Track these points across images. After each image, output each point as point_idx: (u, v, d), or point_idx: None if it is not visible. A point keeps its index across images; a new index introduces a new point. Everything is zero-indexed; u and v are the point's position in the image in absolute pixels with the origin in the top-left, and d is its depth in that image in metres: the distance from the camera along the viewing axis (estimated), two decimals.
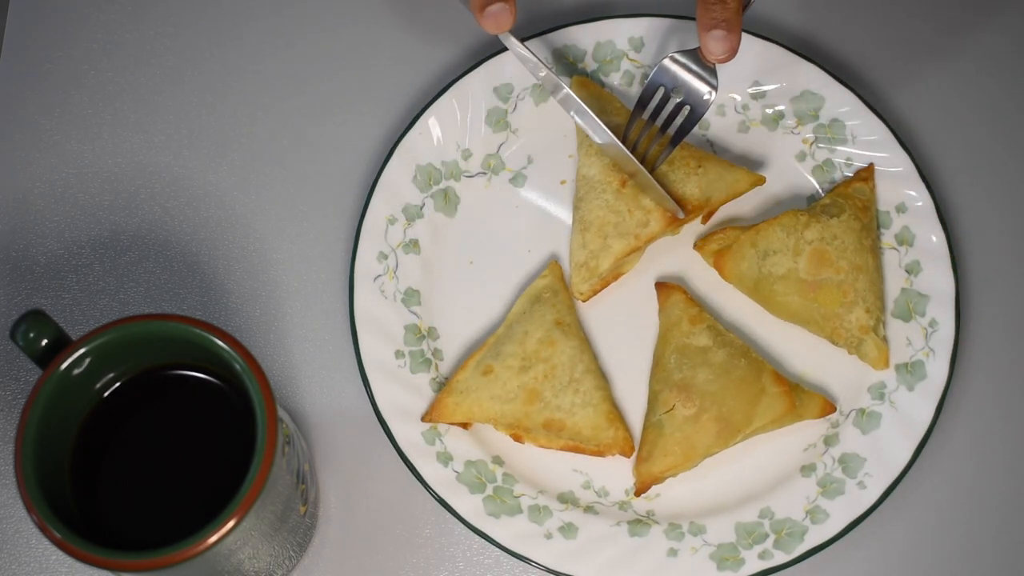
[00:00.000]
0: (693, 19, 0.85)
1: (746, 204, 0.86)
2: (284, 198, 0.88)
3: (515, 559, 0.78)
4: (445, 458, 0.79)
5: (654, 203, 0.82)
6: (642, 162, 0.81)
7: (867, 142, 0.85)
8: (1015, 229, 0.87)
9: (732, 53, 0.75)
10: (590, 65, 0.89)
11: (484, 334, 0.83)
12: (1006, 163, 0.88)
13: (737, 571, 0.77)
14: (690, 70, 0.80)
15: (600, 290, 0.84)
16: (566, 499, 0.80)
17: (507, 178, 0.87)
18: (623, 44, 0.89)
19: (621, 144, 0.81)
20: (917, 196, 0.84)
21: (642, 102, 0.81)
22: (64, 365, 0.66)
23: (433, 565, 0.80)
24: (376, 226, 0.84)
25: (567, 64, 0.88)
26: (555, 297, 0.82)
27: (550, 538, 0.78)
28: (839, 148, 0.86)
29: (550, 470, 0.80)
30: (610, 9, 0.91)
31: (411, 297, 0.84)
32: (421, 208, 0.85)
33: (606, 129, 0.81)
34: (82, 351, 0.66)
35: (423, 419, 0.80)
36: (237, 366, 0.65)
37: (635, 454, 0.80)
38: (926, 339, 0.81)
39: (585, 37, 0.88)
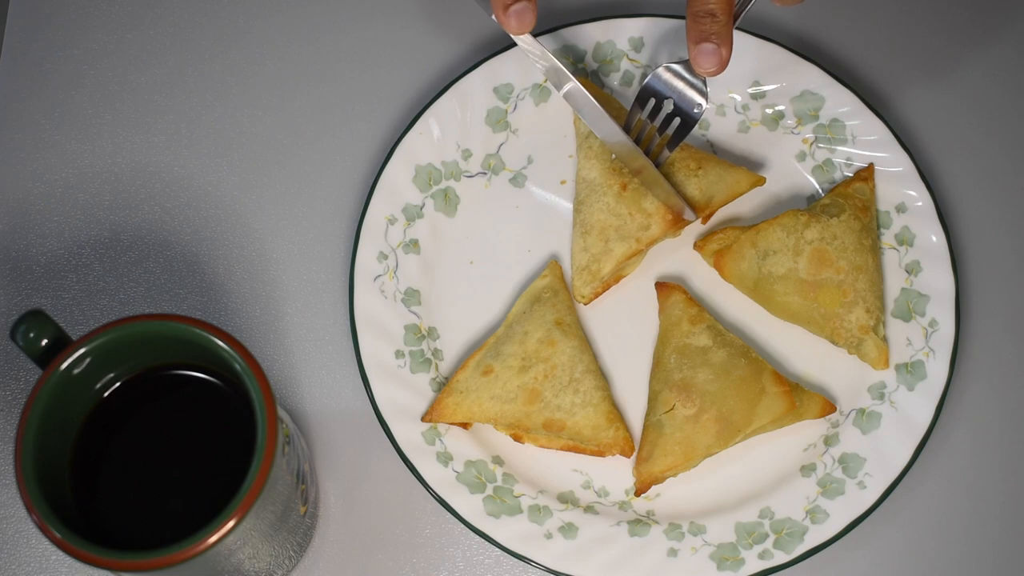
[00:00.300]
0: None
1: (746, 204, 0.86)
2: (284, 198, 0.88)
3: (515, 559, 0.78)
4: (445, 458, 0.79)
5: (658, 203, 0.82)
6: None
7: (867, 142, 0.85)
8: (1015, 229, 0.87)
9: (722, 66, 0.75)
10: (590, 65, 0.89)
11: (484, 334, 0.83)
12: (1006, 163, 0.88)
13: (737, 571, 0.77)
14: (683, 79, 0.80)
15: (601, 293, 0.84)
16: (566, 499, 0.80)
17: (507, 178, 0.87)
18: (623, 44, 0.89)
19: (628, 137, 0.80)
20: (917, 196, 0.84)
21: (633, 112, 0.81)
22: (64, 365, 0.66)
23: (433, 565, 0.80)
24: (376, 226, 0.84)
25: (567, 64, 0.88)
26: (555, 297, 0.82)
27: (550, 538, 0.78)
28: (839, 148, 0.86)
29: (550, 470, 0.80)
30: (610, 9, 0.91)
31: (411, 297, 0.84)
32: (421, 208, 0.85)
33: (613, 123, 0.80)
34: (82, 351, 0.66)
35: (423, 419, 0.80)
36: (237, 366, 0.65)
37: (635, 454, 0.80)
38: (926, 339, 0.81)
39: (585, 37, 0.88)
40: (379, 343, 0.81)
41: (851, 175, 0.85)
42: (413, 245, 0.85)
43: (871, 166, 0.85)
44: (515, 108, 0.87)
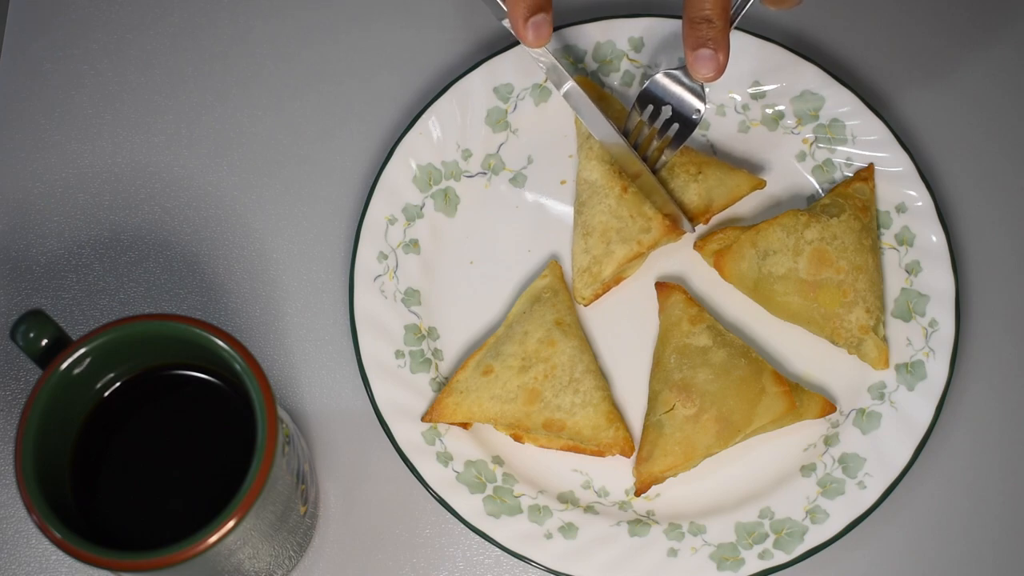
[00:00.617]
0: None
1: (746, 204, 0.86)
2: (284, 198, 0.88)
3: (515, 559, 0.78)
4: (445, 458, 0.79)
5: (656, 208, 0.82)
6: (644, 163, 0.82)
7: (867, 142, 0.85)
8: (1015, 229, 0.87)
9: (719, 72, 0.75)
10: (590, 65, 0.89)
11: (484, 334, 0.83)
12: (1006, 163, 0.88)
13: (737, 571, 0.77)
14: (682, 84, 0.79)
15: (602, 294, 0.84)
16: (566, 499, 0.80)
17: (507, 178, 0.87)
18: (623, 44, 0.89)
19: (626, 142, 0.80)
20: (917, 196, 0.84)
21: (632, 117, 0.81)
22: (64, 365, 0.66)
23: (433, 565, 0.80)
24: (376, 226, 0.84)
25: (567, 64, 0.88)
26: (555, 297, 0.82)
27: (550, 538, 0.78)
28: (839, 148, 0.86)
29: (550, 470, 0.80)
30: (610, 9, 0.91)
31: (411, 297, 0.84)
32: (421, 208, 0.85)
33: (610, 126, 0.80)
34: (82, 351, 0.66)
35: (423, 419, 0.80)
36: (237, 366, 0.65)
37: (635, 454, 0.80)
38: (926, 339, 0.81)
39: (585, 37, 0.88)
40: (379, 343, 0.81)
41: (851, 175, 0.85)
42: (413, 245, 0.85)
43: (871, 166, 0.85)
44: (515, 108, 0.87)
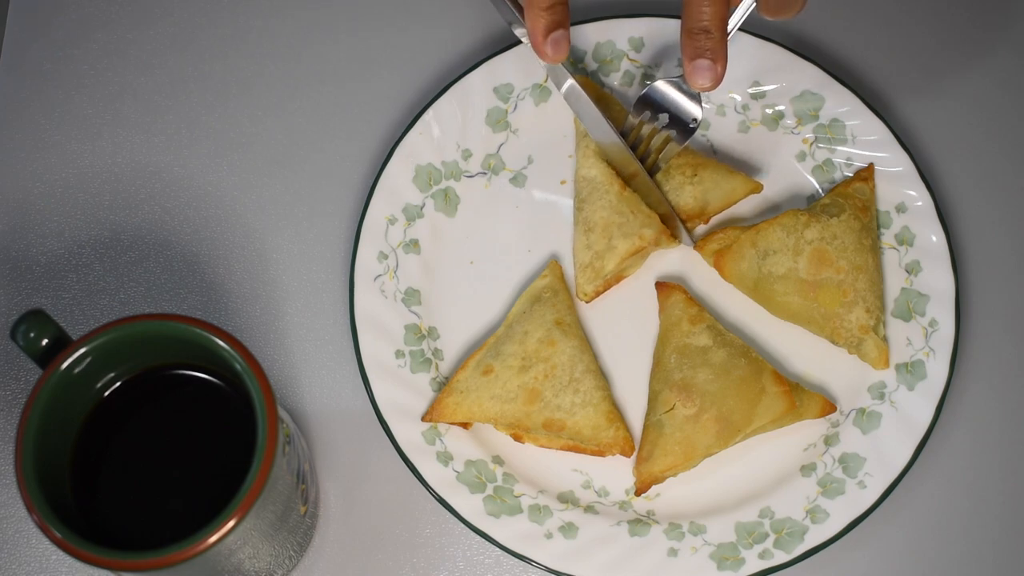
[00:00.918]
0: None
1: (746, 204, 0.86)
2: (284, 198, 0.88)
3: (515, 559, 0.78)
4: (445, 458, 0.79)
5: (651, 209, 0.82)
6: (641, 163, 0.82)
7: (867, 142, 0.85)
8: (1015, 229, 0.87)
9: (717, 82, 0.75)
10: (590, 65, 0.89)
11: (484, 334, 0.83)
12: (1006, 163, 0.88)
13: (737, 571, 0.77)
14: (680, 91, 0.80)
15: (603, 291, 0.84)
16: (566, 499, 0.80)
17: (507, 178, 0.87)
18: (623, 44, 0.89)
19: (624, 142, 0.81)
20: (917, 196, 0.84)
21: (629, 120, 0.81)
22: (64, 365, 0.66)
23: (433, 565, 0.80)
24: (376, 226, 0.84)
25: (567, 64, 0.88)
26: (555, 297, 0.82)
27: (550, 538, 0.78)
28: (839, 148, 0.86)
29: (550, 470, 0.80)
30: (610, 9, 0.91)
31: (411, 297, 0.84)
32: (421, 208, 0.85)
33: (609, 126, 0.80)
34: (82, 351, 0.66)
35: (423, 419, 0.80)
36: (237, 366, 0.65)
37: (635, 454, 0.80)
38: (926, 339, 0.81)
39: (585, 37, 0.88)
40: (379, 343, 0.81)
41: (851, 175, 0.85)
42: (413, 245, 0.85)
43: (871, 166, 0.85)
44: (515, 108, 0.87)
